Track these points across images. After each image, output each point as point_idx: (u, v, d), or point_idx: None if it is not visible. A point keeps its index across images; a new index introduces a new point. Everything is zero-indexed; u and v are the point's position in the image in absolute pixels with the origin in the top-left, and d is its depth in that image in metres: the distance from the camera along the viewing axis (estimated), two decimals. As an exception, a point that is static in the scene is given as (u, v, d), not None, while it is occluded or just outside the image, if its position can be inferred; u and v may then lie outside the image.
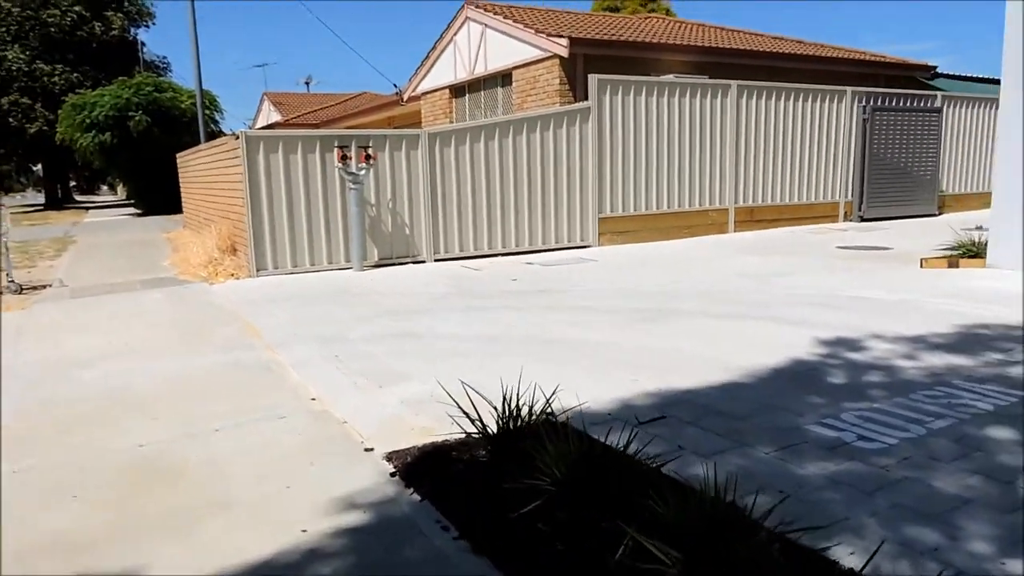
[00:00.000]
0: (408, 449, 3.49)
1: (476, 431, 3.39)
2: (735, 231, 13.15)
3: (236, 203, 10.27)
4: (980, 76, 18.43)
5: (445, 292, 7.90)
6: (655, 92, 11.94)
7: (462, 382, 3.96)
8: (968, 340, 4.89)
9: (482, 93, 15.62)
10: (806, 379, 4.21)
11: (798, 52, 15.55)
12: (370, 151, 9.87)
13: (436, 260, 10.60)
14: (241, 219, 9.88)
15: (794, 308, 6.19)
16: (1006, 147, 7.40)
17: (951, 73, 17.84)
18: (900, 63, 16.86)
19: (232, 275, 9.68)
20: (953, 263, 7.95)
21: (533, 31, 13.02)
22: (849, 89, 14.16)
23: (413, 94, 18.05)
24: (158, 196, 26.04)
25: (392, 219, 10.35)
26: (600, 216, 11.73)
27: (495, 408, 3.45)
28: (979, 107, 16.21)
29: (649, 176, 12.11)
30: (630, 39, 13.45)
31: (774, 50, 15.27)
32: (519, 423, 3.23)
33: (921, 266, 8.23)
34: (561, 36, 12.47)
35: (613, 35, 13.51)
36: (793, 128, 13.56)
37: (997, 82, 19.56)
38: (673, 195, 12.37)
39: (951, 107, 15.57)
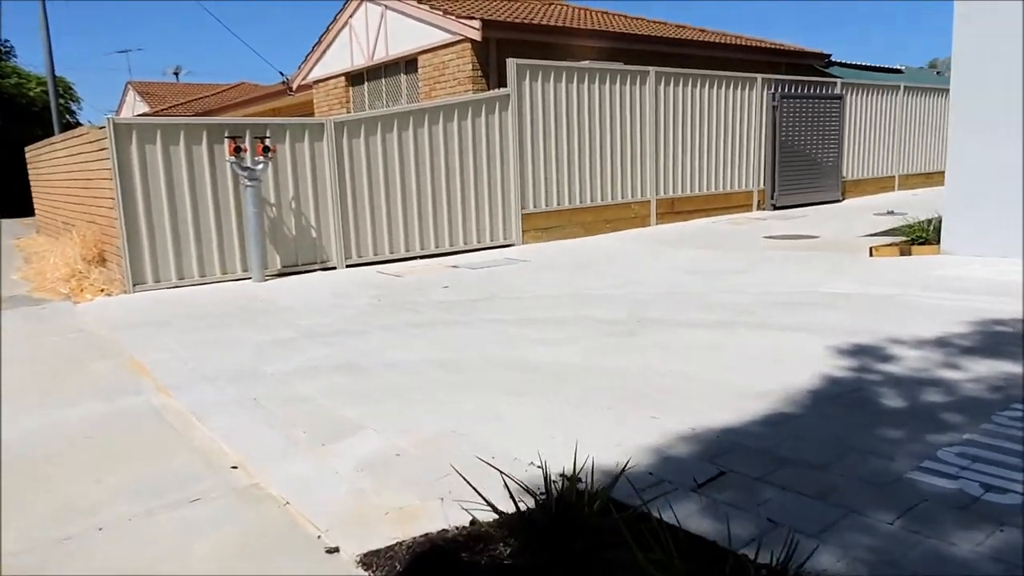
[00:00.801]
0: (392, 549, 2.47)
1: (492, 517, 2.43)
2: (657, 224, 12.68)
3: (104, 204, 8.65)
4: (869, 64, 19.04)
5: (371, 305, 6.79)
6: (575, 78, 11.21)
7: (434, 433, 2.96)
8: (995, 340, 4.39)
9: (383, 81, 14.41)
10: (857, 403, 3.51)
11: (705, 40, 15.33)
12: (268, 143, 8.54)
13: (349, 266, 9.40)
14: (112, 223, 8.30)
15: (779, 310, 5.57)
16: (958, 134, 7.16)
17: (843, 61, 18.28)
18: (797, 51, 17.05)
19: (102, 291, 8.10)
20: (905, 251, 7.67)
21: (441, 13, 11.99)
22: (759, 76, 14.03)
23: (304, 82, 16.53)
24: (3, 196, 22.93)
25: (296, 221, 9.06)
26: (523, 212, 10.89)
27: (497, 470, 2.52)
28: (876, 94, 16.63)
29: (571, 168, 11.38)
30: (543, 23, 12.66)
31: (683, 37, 14.96)
32: (565, 507, 2.29)
33: (871, 255, 7.92)
34: (473, 18, 11.52)
35: (525, 18, 12.68)
36: (709, 116, 13.24)
37: (886, 70, 20.27)
38: (596, 188, 11.71)
39: (850, 94, 15.83)
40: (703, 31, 17.01)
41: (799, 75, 15.68)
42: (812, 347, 4.46)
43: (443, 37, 12.32)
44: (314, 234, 9.19)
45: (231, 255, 8.65)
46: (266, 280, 8.59)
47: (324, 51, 15.62)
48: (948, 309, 5.21)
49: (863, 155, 16.55)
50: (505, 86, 11.55)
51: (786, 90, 14.41)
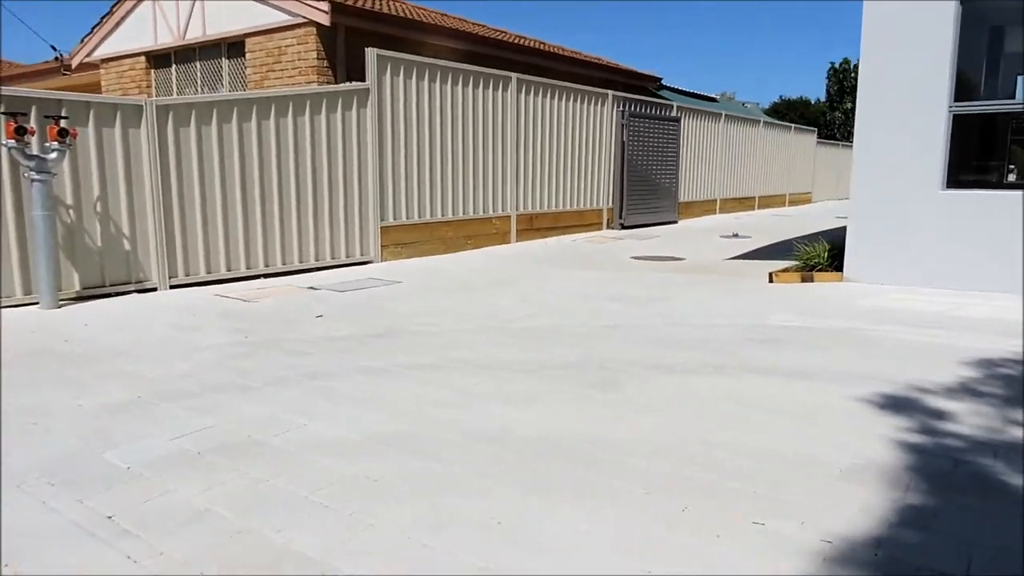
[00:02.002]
0: None
1: None
2: (518, 240, 11.90)
3: None
4: (691, 91, 19.94)
5: (237, 344, 5.16)
6: (437, 77, 10.09)
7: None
8: (1015, 384, 3.99)
9: (198, 64, 12.22)
10: (977, 484, 2.81)
11: (558, 52, 14.93)
12: (64, 124, 6.45)
13: (174, 286, 7.46)
14: None
15: (754, 348, 4.91)
16: (863, 159, 7.09)
17: (670, 86, 18.93)
18: (634, 72, 17.31)
19: None
20: (807, 278, 7.50)
21: (281, -12, 10.28)
22: (610, 93, 13.86)
23: (88, 59, 13.67)
24: None
25: (103, 228, 6.99)
26: (382, 225, 9.52)
27: None
28: (703, 119, 17.31)
29: (433, 178, 10.22)
30: (400, 15, 11.38)
31: (538, 48, 14.43)
32: None
33: (771, 280, 7.67)
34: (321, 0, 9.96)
35: (380, 8, 11.32)
36: (567, 130, 12.76)
37: (704, 97, 21.30)
38: (458, 201, 10.65)
39: (685, 117, 16.29)
40: (542, 43, 16.67)
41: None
42: (839, 400, 3.77)
43: (281, 19, 10.59)
44: (127, 246, 7.16)
45: (7, 272, 6.41)
46: (61, 306, 6.47)
47: (117, 24, 12.99)
48: (927, 347, 4.84)
49: (693, 178, 17.12)
50: (355, 80, 10.16)
51: (634, 109, 14.39)
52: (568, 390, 4.02)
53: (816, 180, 25.41)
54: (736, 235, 13.40)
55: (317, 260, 8.83)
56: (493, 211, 11.36)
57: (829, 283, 7.32)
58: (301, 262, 8.65)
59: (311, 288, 7.61)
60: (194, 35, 11.93)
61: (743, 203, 19.92)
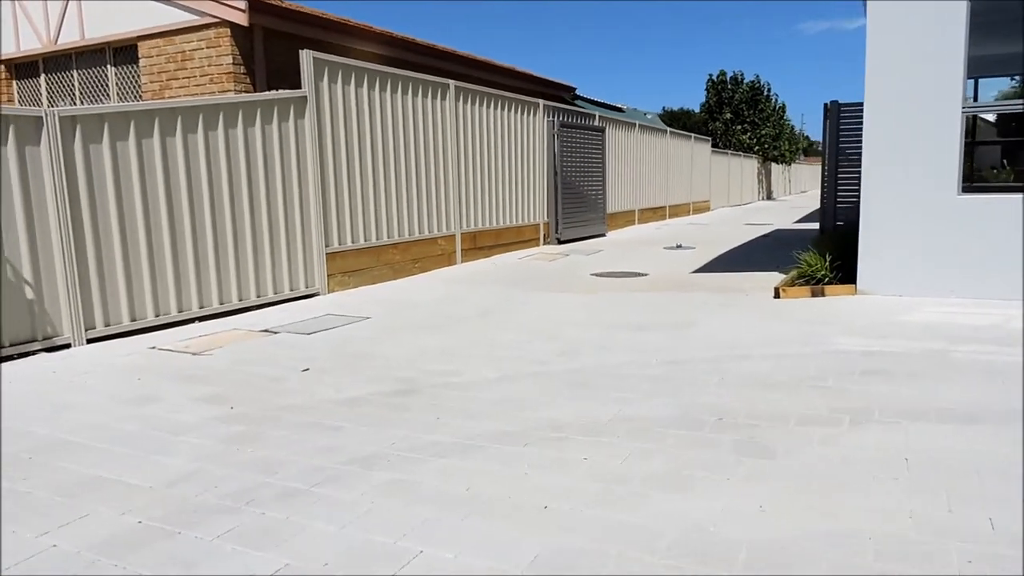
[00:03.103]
0: None
1: None
2: (463, 261, 10.94)
3: None
4: (601, 101, 19.72)
5: (219, 422, 3.94)
6: (377, 84, 9.01)
7: None
8: None
9: (75, 73, 10.41)
10: None
11: (479, 60, 14.12)
12: (-57, 141, 4.92)
13: (92, 340, 5.97)
14: None
15: (862, 384, 4.31)
16: (873, 166, 6.75)
17: (584, 96, 18.62)
18: (550, 81, 16.81)
19: None
20: (817, 292, 7.08)
21: (186, -18, 8.85)
22: (541, 102, 13.23)
23: (-72, 67, 11.40)
24: None
25: (-3, 274, 5.44)
26: (328, 251, 8.31)
27: None
28: (621, 129, 17.06)
29: (378, 197, 9.11)
30: (327, 17, 10.17)
31: (468, 56, 13.56)
32: None
33: (777, 295, 7.20)
34: (238, -6, 8.64)
35: (302, 8, 10.06)
36: (503, 141, 11.97)
37: (612, 107, 21.18)
38: (403, 220, 9.58)
39: (608, 128, 15.95)
40: (457, 52, 15.82)
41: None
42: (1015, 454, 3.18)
43: (184, 18, 9.13)
44: (30, 293, 5.62)
45: None
46: (-55, 381, 4.89)
47: (-34, 25, 10.89)
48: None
49: (616, 190, 16.81)
50: (275, 88, 8.91)
51: (564, 119, 13.83)
52: (713, 460, 3.19)
53: (712, 188, 26.07)
54: (679, 246, 13.09)
55: (259, 296, 7.50)
56: (438, 230, 10.35)
57: (843, 297, 6.93)
58: (240, 299, 7.29)
59: (266, 332, 6.34)
60: (69, 39, 10.14)
61: (656, 213, 19.92)
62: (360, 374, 4.85)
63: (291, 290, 7.90)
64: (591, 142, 14.73)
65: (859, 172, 11.39)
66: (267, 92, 7.62)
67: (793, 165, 43.31)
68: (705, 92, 34.99)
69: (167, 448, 3.52)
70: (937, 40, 6.33)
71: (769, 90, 34.69)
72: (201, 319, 6.88)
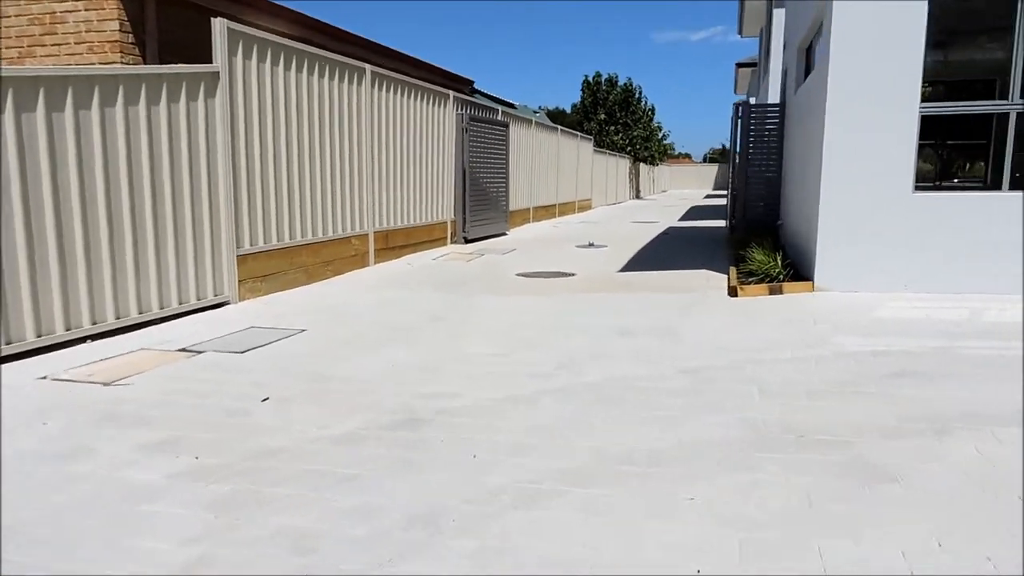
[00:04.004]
0: None
1: None
2: (376, 262, 10.08)
3: None
4: (495, 95, 19.24)
5: (189, 478, 3.05)
6: (293, 64, 8.00)
7: None
8: None
9: None
10: None
11: (388, 48, 13.20)
12: None
13: (-39, 371, 4.68)
14: None
15: (906, 388, 4.08)
16: (833, 165, 6.71)
17: (481, 90, 18.07)
18: (450, 74, 16.13)
19: None
20: (776, 289, 6.96)
21: (55, -70, 7.41)
22: (451, 93, 12.55)
23: None
24: None
25: None
26: (239, 253, 7.23)
27: None
28: (521, 126, 16.67)
29: (291, 192, 8.10)
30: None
31: (368, 41, 12.58)
32: None
33: (735, 295, 7.02)
34: (123, -51, 7.33)
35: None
36: (415, 132, 11.20)
37: (506, 103, 20.77)
38: (316, 218, 8.61)
39: (511, 124, 15.49)
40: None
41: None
42: None
43: (49, -26, 7.65)
44: None
45: None
46: None
47: None
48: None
49: (516, 187, 16.42)
50: (169, 62, 7.71)
51: (473, 112, 13.23)
52: (839, 489, 2.76)
53: (594, 187, 26.39)
54: (592, 244, 12.89)
55: (162, 307, 6.33)
56: (351, 229, 9.42)
57: (802, 294, 6.86)
58: (141, 312, 6.12)
59: (185, 351, 5.29)
60: None
61: (548, 211, 19.76)
62: (335, 402, 4.04)
63: (198, 299, 6.77)
64: (496, 138, 14.22)
65: (768, 171, 11.68)
66: (174, 65, 6.44)
67: (656, 166, 45.18)
68: (580, 92, 35.56)
69: (140, 527, 2.61)
70: (895, 43, 6.37)
71: (640, 93, 35.84)
72: (93, 337, 5.66)
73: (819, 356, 4.72)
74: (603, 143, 33.72)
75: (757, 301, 6.78)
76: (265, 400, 4.11)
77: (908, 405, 3.71)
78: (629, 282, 8.42)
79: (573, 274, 9.35)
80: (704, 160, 76.87)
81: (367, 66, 9.59)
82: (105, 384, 4.45)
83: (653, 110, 36.90)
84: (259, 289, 7.56)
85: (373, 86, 9.76)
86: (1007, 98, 6.45)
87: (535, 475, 2.98)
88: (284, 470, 3.09)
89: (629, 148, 34.85)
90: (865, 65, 6.48)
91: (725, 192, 47.32)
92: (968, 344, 4.87)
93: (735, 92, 44.20)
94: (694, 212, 23.86)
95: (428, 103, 11.58)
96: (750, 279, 7.24)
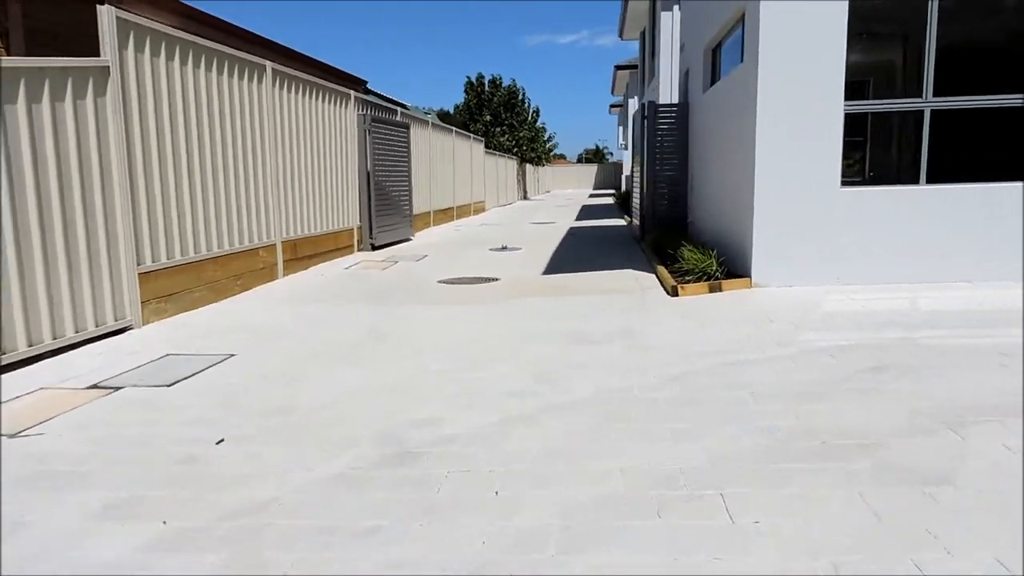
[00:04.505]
0: None
1: None
2: (285, 274, 9.37)
3: None
4: (389, 96, 18.61)
5: (137, 562, 2.52)
6: (190, 59, 7.25)
7: None
8: None
9: None
10: None
11: (281, 46, 12.36)
12: None
13: None
14: None
15: (894, 383, 4.06)
16: (765, 164, 6.80)
17: (374, 90, 17.41)
18: (345, 73, 15.41)
19: None
20: (715, 287, 6.99)
21: None
22: (353, 93, 11.94)
23: None
24: None
25: None
26: (140, 270, 6.44)
27: None
28: (420, 127, 16.20)
29: (195, 200, 7.35)
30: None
31: (265, 39, 11.72)
32: None
33: (676, 294, 7.00)
34: (-17, -77, 6.32)
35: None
36: (318, 135, 10.54)
37: (397, 103, 20.12)
38: (221, 229, 7.87)
39: (411, 125, 15.00)
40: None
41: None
42: None
43: None
44: None
45: None
46: None
47: None
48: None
49: (418, 190, 15.95)
50: (38, 55, 6.82)
51: (375, 113, 12.66)
52: (890, 499, 2.64)
53: (487, 189, 26.25)
54: (505, 247, 12.66)
55: (55, 337, 5.49)
56: (258, 240, 8.69)
57: (742, 291, 6.92)
58: (31, 345, 5.26)
59: (97, 387, 4.58)
60: None
61: (446, 214, 19.39)
62: (307, 439, 3.55)
63: (97, 325, 5.93)
64: (398, 139, 13.70)
65: (669, 169, 11.87)
66: (58, 58, 5.57)
67: (541, 167, 45.75)
68: (464, 94, 35.33)
69: (126, 621, 2.08)
70: (820, 42, 6.54)
71: (524, 94, 36.08)
72: (-21, 376, 4.80)
73: (792, 355, 4.70)
74: (490, 145, 33.65)
75: (699, 300, 6.77)
76: (220, 442, 3.56)
77: (905, 401, 3.71)
78: (562, 285, 8.25)
79: (497, 279, 9.07)
80: (579, 160, 78.82)
81: (268, 63, 8.88)
82: (10, 436, 3.72)
83: (538, 111, 37.30)
84: (165, 310, 6.77)
85: (275, 84, 9.06)
86: (888, 97, 6.82)
87: (571, 509, 2.68)
88: (282, 527, 2.62)
89: (516, 149, 35.01)
90: (793, 65, 6.63)
91: (607, 191, 48.76)
92: (925, 334, 5.02)
93: (612, 93, 45.55)
94: (586, 212, 24.21)
95: (330, 103, 10.94)
96: (687, 278, 7.24)
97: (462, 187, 21.47)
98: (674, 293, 7.02)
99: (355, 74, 15.68)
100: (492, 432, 3.55)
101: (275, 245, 9.12)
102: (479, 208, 24.42)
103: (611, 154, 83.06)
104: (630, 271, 9.15)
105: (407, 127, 14.30)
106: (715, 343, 5.11)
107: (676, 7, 16.87)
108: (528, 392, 4.17)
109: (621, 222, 18.61)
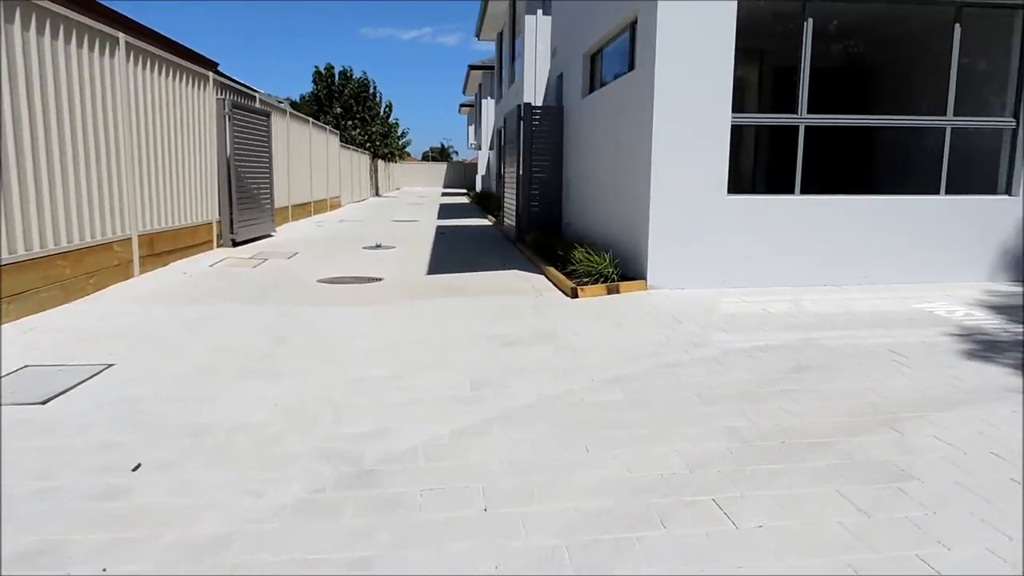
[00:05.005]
0: None
1: None
2: (142, 272, 8.45)
3: None
4: (241, 81, 17.33)
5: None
6: (33, 23, 6.30)
7: None
8: None
9: None
10: None
11: (129, 20, 11.08)
12: None
13: None
14: None
15: (814, 383, 4.29)
16: (661, 171, 7.01)
17: (225, 73, 16.13)
18: (194, 53, 14.14)
19: None
20: (613, 289, 7.11)
21: None
22: (211, 75, 11.00)
23: None
24: None
25: None
26: (-21, 266, 5.51)
27: None
28: (279, 116, 15.26)
29: (41, 184, 6.43)
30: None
31: (113, 11, 10.44)
32: None
33: (576, 296, 7.06)
34: None
35: None
36: (174, 118, 9.62)
37: (250, 89, 18.78)
38: (71, 219, 6.95)
39: (272, 113, 14.08)
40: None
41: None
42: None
43: None
44: None
45: None
46: None
47: None
48: (922, 346, 4.99)
49: (278, 183, 15.03)
50: None
51: (236, 99, 11.76)
52: (873, 493, 2.77)
53: (343, 183, 25.33)
54: (379, 246, 12.23)
55: None
56: (112, 232, 7.75)
57: (639, 292, 7.11)
58: None
59: (-51, 408, 3.82)
60: None
61: (304, 209, 18.46)
62: (243, 460, 3.16)
63: (-72, 331, 4.98)
64: (258, 128, 12.81)
65: (541, 171, 12.03)
66: None
67: (393, 163, 44.99)
68: (313, 84, 33.88)
69: None
70: (711, 51, 6.87)
71: (376, 88, 35.20)
72: None
73: (716, 356, 4.87)
74: (342, 138, 32.54)
75: (600, 301, 6.88)
76: (137, 468, 3.07)
77: (838, 399, 3.95)
78: (455, 285, 8.07)
79: (381, 278, 8.72)
80: (424, 159, 78.38)
81: (120, 35, 7.93)
82: None
83: (390, 106, 36.57)
84: (9, 313, 5.83)
85: (129, 60, 8.12)
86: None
87: (571, 524, 2.57)
88: (259, 564, 2.28)
89: (369, 144, 34.11)
90: (687, 75, 6.90)
91: (458, 191, 48.73)
92: (824, 335, 5.40)
93: (464, 93, 45.77)
94: (446, 211, 24.05)
95: (189, 85, 10.01)
96: (584, 280, 7.34)
97: (319, 181, 20.55)
98: (574, 295, 7.08)
99: (205, 55, 14.48)
100: (448, 444, 3.34)
101: (131, 239, 8.17)
102: (335, 204, 23.52)
103: (456, 153, 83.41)
104: (516, 272, 9.15)
105: (268, 115, 13.42)
106: (638, 345, 5.18)
107: (540, 11, 17.18)
108: (470, 400, 3.99)
109: (484, 222, 18.66)
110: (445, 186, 55.11)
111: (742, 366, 4.59)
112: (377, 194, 36.60)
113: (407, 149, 43.31)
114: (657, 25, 6.79)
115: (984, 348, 4.94)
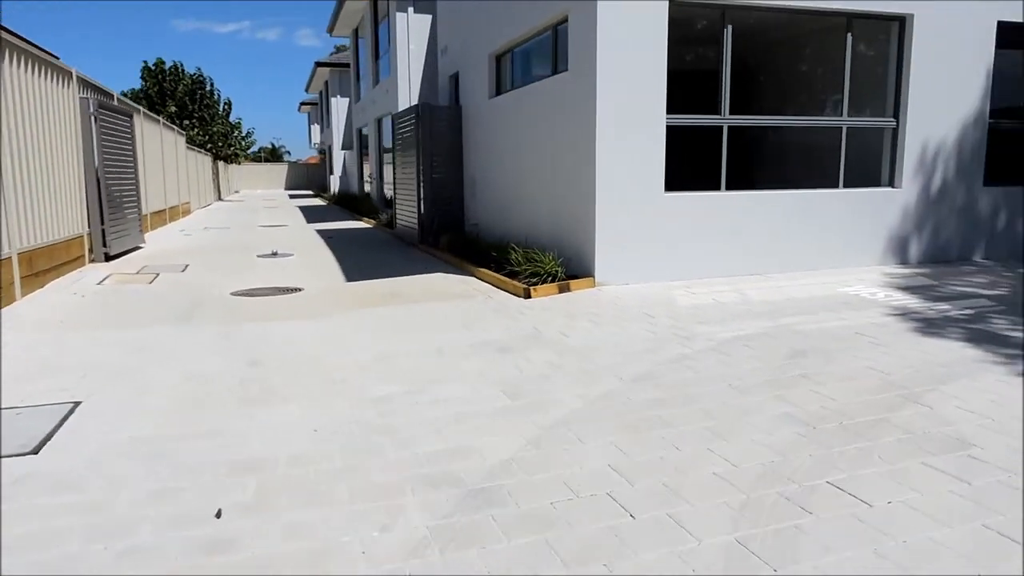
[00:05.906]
0: None
1: None
2: (24, 294, 7.41)
3: None
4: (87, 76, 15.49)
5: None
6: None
7: None
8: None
9: None
10: None
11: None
12: None
13: None
14: None
15: (818, 365, 4.61)
16: (603, 171, 7.17)
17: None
18: (34, 45, 12.44)
19: None
20: (564, 287, 7.19)
21: None
22: (75, 71, 9.82)
23: None
24: None
25: None
26: None
27: None
28: (138, 116, 13.85)
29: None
30: None
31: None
32: None
33: (528, 296, 7.08)
34: None
35: None
36: (38, 120, 8.52)
37: (106, 92, 16.89)
38: (-47, 236, 5.96)
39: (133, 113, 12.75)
40: None
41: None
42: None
43: None
44: None
45: None
46: None
47: None
48: (892, 331, 5.46)
49: (147, 187, 13.66)
50: None
51: (103, 98, 10.56)
52: (952, 466, 3.06)
53: (191, 188, 23.48)
54: (276, 253, 11.51)
55: None
56: (-7, 252, 6.73)
57: (589, 290, 7.24)
58: None
59: (-91, 472, 3.17)
60: None
61: (160, 217, 16.94)
62: (326, 497, 2.90)
63: None
64: (123, 130, 11.57)
65: (437, 172, 11.90)
66: None
67: (235, 165, 42.33)
68: (142, 80, 31.02)
69: None
70: (646, 59, 7.14)
71: (213, 85, 32.91)
72: None
73: (712, 348, 5.08)
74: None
75: (556, 300, 6.95)
76: (219, 514, 2.72)
77: (851, 380, 4.28)
78: (391, 292, 7.79)
79: (300, 288, 8.25)
80: (255, 159, 74.53)
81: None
82: None
83: (230, 104, 34.30)
84: (-103, 352, 4.88)
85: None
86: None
87: (733, 520, 2.61)
88: (468, 611, 2.11)
89: (210, 145, 31.83)
90: (626, 78, 7.13)
91: (304, 192, 46.69)
92: (789, 321, 5.80)
93: (307, 91, 43.93)
94: (311, 214, 22.99)
95: (49, 80, 8.87)
96: (532, 280, 7.37)
97: (171, 186, 18.93)
98: (527, 295, 7.09)
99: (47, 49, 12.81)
100: (537, 455, 3.26)
101: (11, 259, 7.12)
102: (187, 210, 21.78)
103: (289, 153, 79.83)
104: (442, 275, 8.99)
105: (131, 116, 12.19)
106: (632, 341, 5.30)
107: (411, 9, 16.91)
108: (518, 409, 3.90)
109: (362, 224, 18.07)
110: (287, 188, 52.71)
111: (744, 355, 4.85)
112: (220, 198, 34.31)
113: (250, 150, 40.89)
114: (597, 25, 6.95)
115: (927, 326, 5.57)
